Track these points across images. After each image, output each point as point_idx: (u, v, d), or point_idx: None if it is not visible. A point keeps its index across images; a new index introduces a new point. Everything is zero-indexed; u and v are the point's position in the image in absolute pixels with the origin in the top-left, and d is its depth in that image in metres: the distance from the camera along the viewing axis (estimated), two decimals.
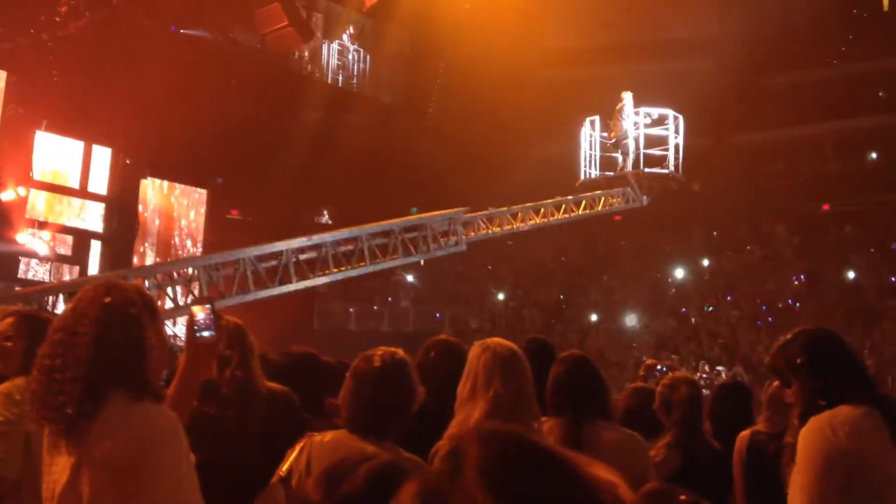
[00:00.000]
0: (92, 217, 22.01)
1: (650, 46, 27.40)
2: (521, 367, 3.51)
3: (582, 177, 18.43)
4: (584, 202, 17.85)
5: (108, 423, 2.47)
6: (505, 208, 16.78)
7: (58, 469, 2.52)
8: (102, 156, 21.99)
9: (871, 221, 27.04)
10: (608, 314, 27.55)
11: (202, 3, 21.44)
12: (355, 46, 26.85)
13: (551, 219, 17.39)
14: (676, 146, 18.03)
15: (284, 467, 3.25)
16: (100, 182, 22.01)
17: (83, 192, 21.86)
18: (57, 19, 18.81)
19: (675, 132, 18.00)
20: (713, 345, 23.78)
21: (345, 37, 26.57)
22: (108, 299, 2.61)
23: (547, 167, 23.36)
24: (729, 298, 26.42)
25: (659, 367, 7.90)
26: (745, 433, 4.71)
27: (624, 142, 17.69)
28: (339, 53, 26.38)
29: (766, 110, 27.96)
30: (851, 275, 25.56)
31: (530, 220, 17.11)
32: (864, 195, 27.36)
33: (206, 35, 22.91)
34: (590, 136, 18.42)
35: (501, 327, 25.85)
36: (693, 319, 25.89)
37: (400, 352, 3.41)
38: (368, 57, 27.23)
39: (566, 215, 17.59)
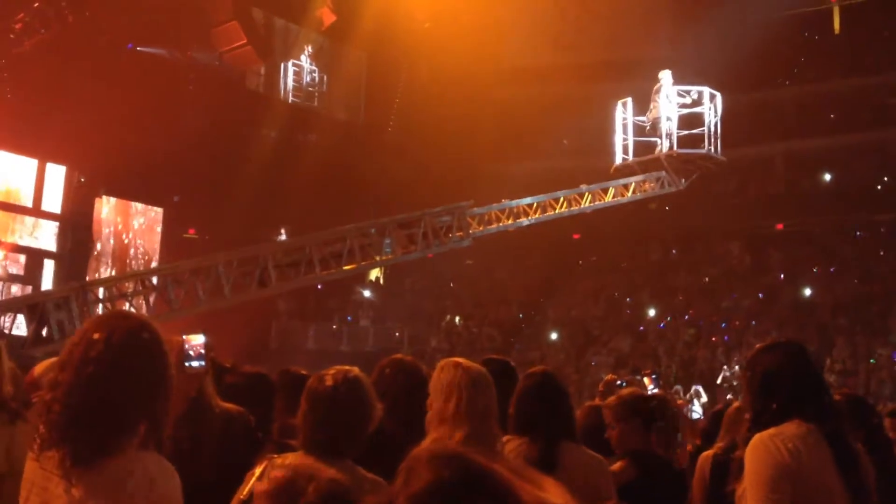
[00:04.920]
0: (45, 236, 21.69)
1: (604, 66, 27.69)
2: (490, 388, 3.49)
3: (617, 161, 17.57)
4: (611, 189, 17.03)
5: (116, 468, 2.33)
6: (516, 200, 16.18)
7: (53, 491, 2.37)
8: (56, 174, 21.72)
9: (824, 240, 27.48)
10: (567, 332, 27.62)
11: (159, 20, 21.27)
12: (312, 66, 26.83)
13: (574, 207, 16.67)
14: (714, 125, 17.18)
15: (245, 490, 3.20)
16: (54, 200, 21.72)
17: (37, 211, 21.56)
18: (11, 36, 18.56)
19: (713, 111, 17.14)
20: (670, 363, 23.94)
21: (303, 56, 26.55)
22: (145, 333, 2.38)
23: (508, 183, 23.41)
24: (686, 317, 26.66)
25: (619, 382, 7.92)
26: (707, 453, 4.70)
27: (660, 124, 16.86)
28: (296, 73, 26.34)
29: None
30: (807, 292, 25.93)
31: (549, 210, 16.37)
32: (817, 215, 27.79)
33: (163, 53, 22.77)
34: (623, 119, 17.50)
35: (461, 346, 25.79)
36: (650, 338, 26.06)
37: (354, 370, 3.35)
38: (326, 76, 27.22)
39: (592, 204, 16.86)
